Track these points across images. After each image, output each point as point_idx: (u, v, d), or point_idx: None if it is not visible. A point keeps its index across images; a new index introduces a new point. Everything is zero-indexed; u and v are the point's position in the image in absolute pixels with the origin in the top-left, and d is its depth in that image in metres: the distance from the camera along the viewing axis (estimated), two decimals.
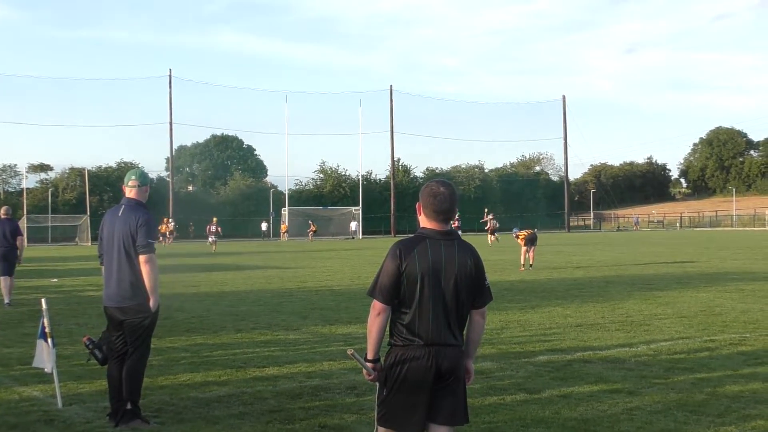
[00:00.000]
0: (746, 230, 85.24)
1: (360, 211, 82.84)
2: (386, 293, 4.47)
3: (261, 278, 24.31)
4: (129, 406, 7.02)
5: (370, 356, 4.56)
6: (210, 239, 52.00)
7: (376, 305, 4.51)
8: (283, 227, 77.54)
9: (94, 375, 8.91)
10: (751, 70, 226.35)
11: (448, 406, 4.51)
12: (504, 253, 37.54)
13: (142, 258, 7.00)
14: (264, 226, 79.14)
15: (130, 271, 7.02)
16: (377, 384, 4.59)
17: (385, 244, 45.98)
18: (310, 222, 73.38)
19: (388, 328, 4.55)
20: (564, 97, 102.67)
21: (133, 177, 7.31)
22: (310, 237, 71.09)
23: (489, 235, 48.74)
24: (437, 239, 4.52)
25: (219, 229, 53.03)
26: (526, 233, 26.42)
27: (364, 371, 4.59)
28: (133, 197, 7.26)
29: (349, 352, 4.63)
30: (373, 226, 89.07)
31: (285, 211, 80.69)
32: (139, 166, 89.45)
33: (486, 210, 56.13)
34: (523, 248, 26.40)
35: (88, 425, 7.12)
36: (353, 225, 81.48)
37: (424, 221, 4.60)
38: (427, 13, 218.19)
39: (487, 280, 4.65)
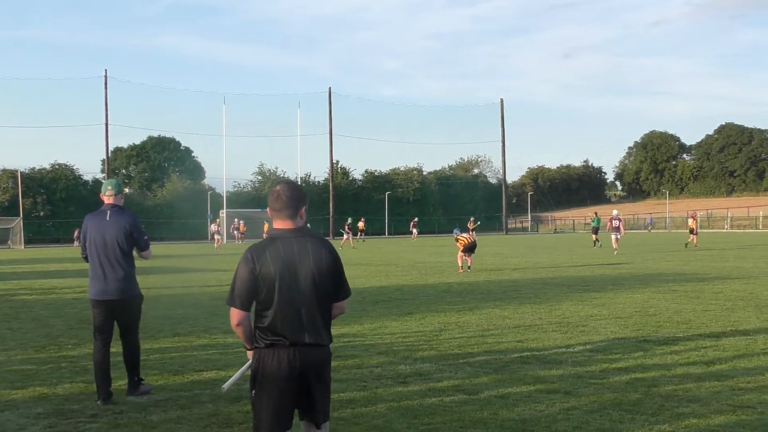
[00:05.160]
0: (680, 232, 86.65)
1: None
2: (243, 299, 4.54)
3: (198, 281, 24.07)
4: (137, 378, 8.34)
5: (249, 347, 4.66)
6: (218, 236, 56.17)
7: (234, 312, 4.58)
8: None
9: (27, 381, 8.75)
10: (684, 75, 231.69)
11: (312, 405, 4.61)
12: (442, 255, 37.73)
13: (146, 253, 8.47)
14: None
15: (128, 266, 8.18)
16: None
17: None
18: (239, 222, 70.59)
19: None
20: (502, 100, 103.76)
21: (110, 187, 8.37)
22: (237, 237, 69.02)
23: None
24: (288, 238, 4.58)
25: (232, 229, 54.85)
26: (467, 240, 26.17)
27: (250, 371, 4.67)
28: (114, 203, 8.30)
29: (223, 389, 4.75)
30: (312, 228, 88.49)
31: (223, 213, 79.97)
32: (74, 167, 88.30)
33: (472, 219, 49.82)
34: (461, 253, 26.33)
35: None
36: None
37: (274, 223, 4.68)
38: (369, 16, 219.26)
39: (344, 274, 4.74)
